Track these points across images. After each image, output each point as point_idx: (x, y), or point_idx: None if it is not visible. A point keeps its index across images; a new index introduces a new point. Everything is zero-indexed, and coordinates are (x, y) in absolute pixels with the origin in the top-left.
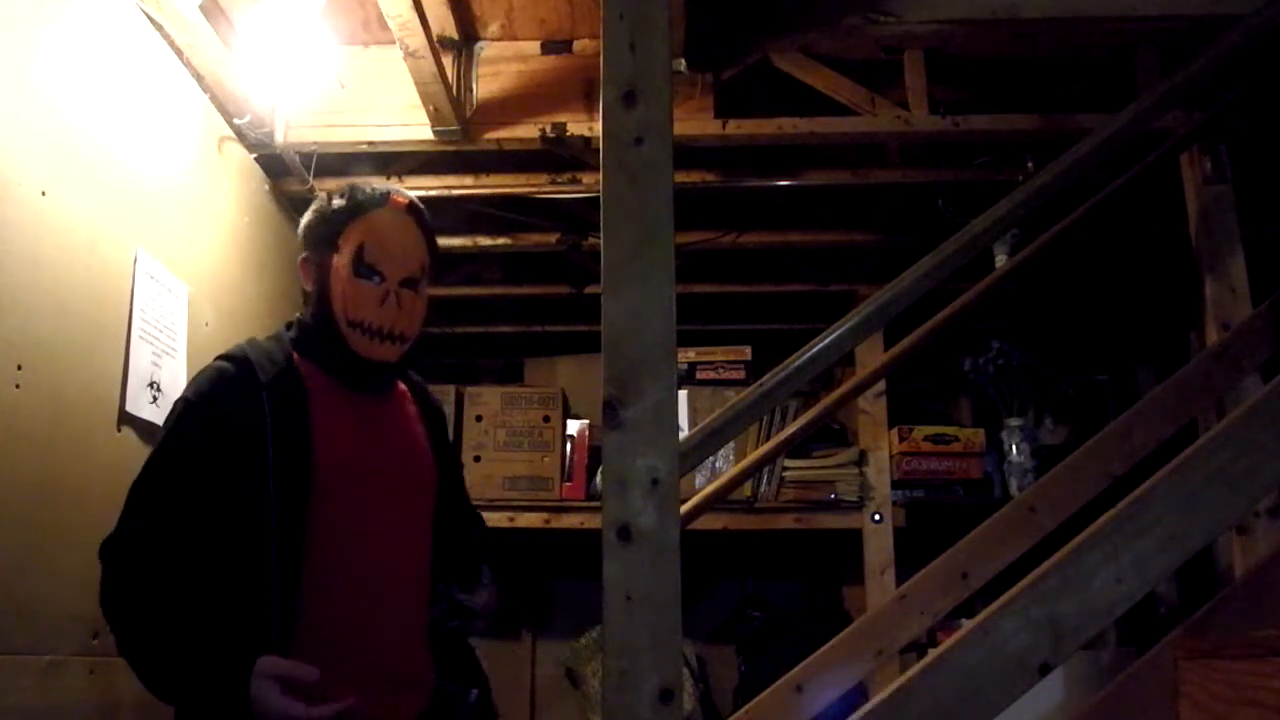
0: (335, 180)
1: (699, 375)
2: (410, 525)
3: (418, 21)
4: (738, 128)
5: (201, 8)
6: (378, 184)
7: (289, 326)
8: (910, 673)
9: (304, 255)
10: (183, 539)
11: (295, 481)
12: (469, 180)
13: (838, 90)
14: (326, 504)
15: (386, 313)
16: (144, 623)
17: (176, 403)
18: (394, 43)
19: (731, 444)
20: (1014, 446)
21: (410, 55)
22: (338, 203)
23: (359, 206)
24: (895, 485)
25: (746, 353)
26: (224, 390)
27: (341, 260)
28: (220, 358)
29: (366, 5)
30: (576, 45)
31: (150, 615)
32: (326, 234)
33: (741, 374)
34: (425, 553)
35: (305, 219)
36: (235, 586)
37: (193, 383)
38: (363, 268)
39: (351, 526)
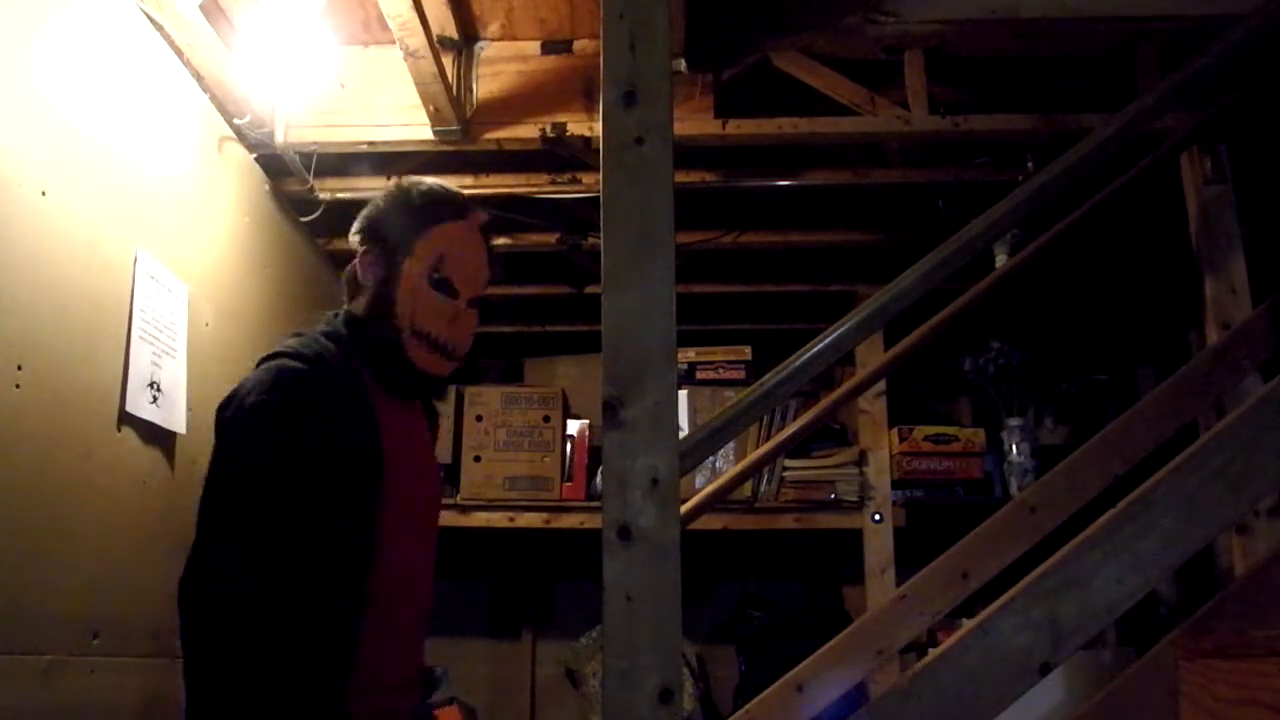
0: (335, 180)
1: (699, 375)
2: (430, 532)
3: (418, 21)
4: (738, 128)
5: (201, 8)
6: (433, 184)
7: (330, 320)
8: (910, 673)
9: (368, 249)
10: (274, 556)
11: (369, 487)
12: (469, 180)
13: (838, 90)
14: (388, 510)
15: (452, 330)
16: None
17: (246, 408)
18: (394, 43)
19: (731, 444)
20: (1014, 446)
21: (410, 55)
22: (417, 200)
23: (441, 212)
24: (895, 485)
25: (746, 353)
26: (298, 392)
27: (417, 268)
28: (285, 356)
29: (366, 5)
30: (576, 45)
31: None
32: (403, 234)
33: (741, 374)
34: (434, 558)
35: (379, 211)
36: (310, 595)
37: (262, 386)
38: (439, 281)
39: (401, 534)
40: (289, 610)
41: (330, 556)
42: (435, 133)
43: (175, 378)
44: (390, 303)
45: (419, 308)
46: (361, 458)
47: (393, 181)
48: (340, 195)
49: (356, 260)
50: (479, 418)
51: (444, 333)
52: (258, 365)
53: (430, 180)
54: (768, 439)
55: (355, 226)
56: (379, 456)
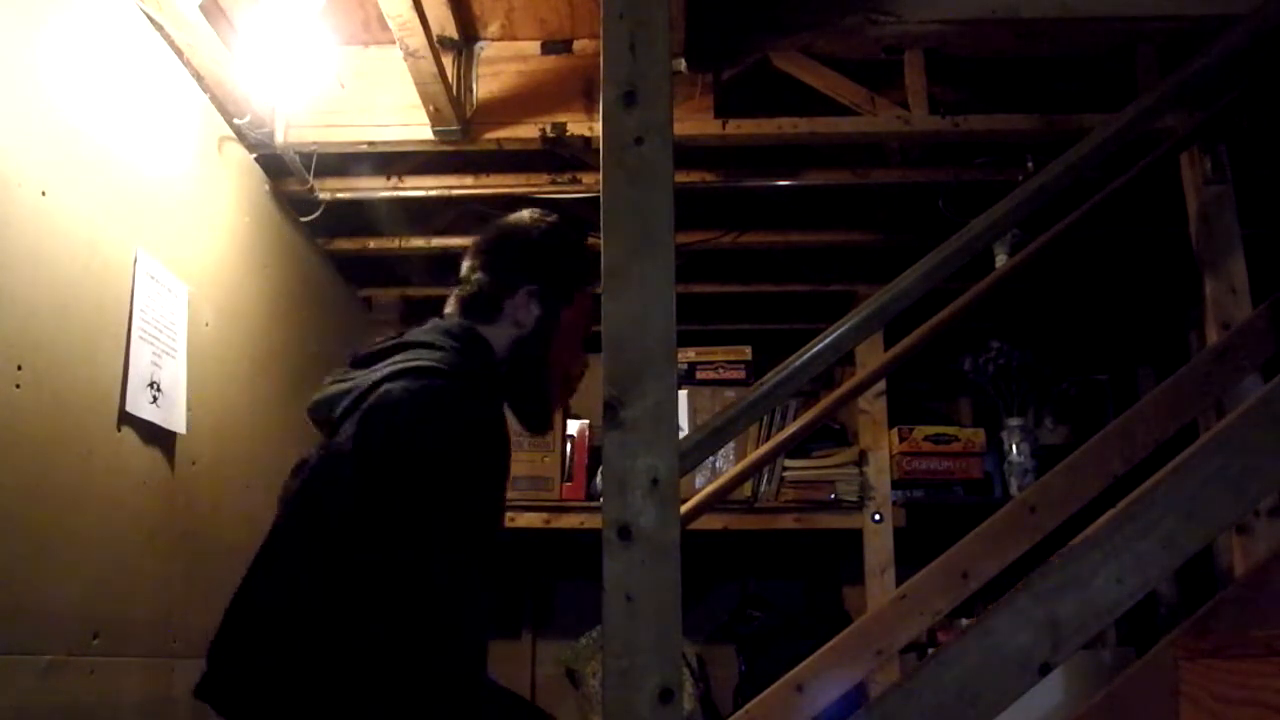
0: (335, 180)
1: (699, 375)
2: None
3: (418, 21)
4: (738, 128)
5: (201, 8)
6: (579, 232)
7: (461, 340)
8: (910, 673)
9: (533, 288)
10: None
11: (503, 499)
12: (469, 180)
13: (838, 90)
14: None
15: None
16: None
17: (413, 426)
18: (394, 43)
19: (731, 444)
20: (1014, 446)
21: (410, 55)
22: (581, 252)
23: (597, 268)
24: (895, 485)
25: (746, 353)
26: (456, 409)
27: (576, 320)
28: (436, 373)
29: (366, 5)
30: (576, 45)
31: None
32: (567, 283)
33: (741, 374)
34: None
35: (542, 250)
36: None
37: (420, 404)
38: (587, 335)
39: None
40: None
41: (484, 564)
42: (435, 133)
43: (175, 378)
44: (546, 346)
45: (574, 359)
46: (501, 475)
47: (529, 213)
48: (340, 195)
49: (507, 292)
50: None
51: (581, 378)
52: (395, 376)
53: (564, 220)
54: (768, 439)
55: (507, 250)
56: (507, 472)
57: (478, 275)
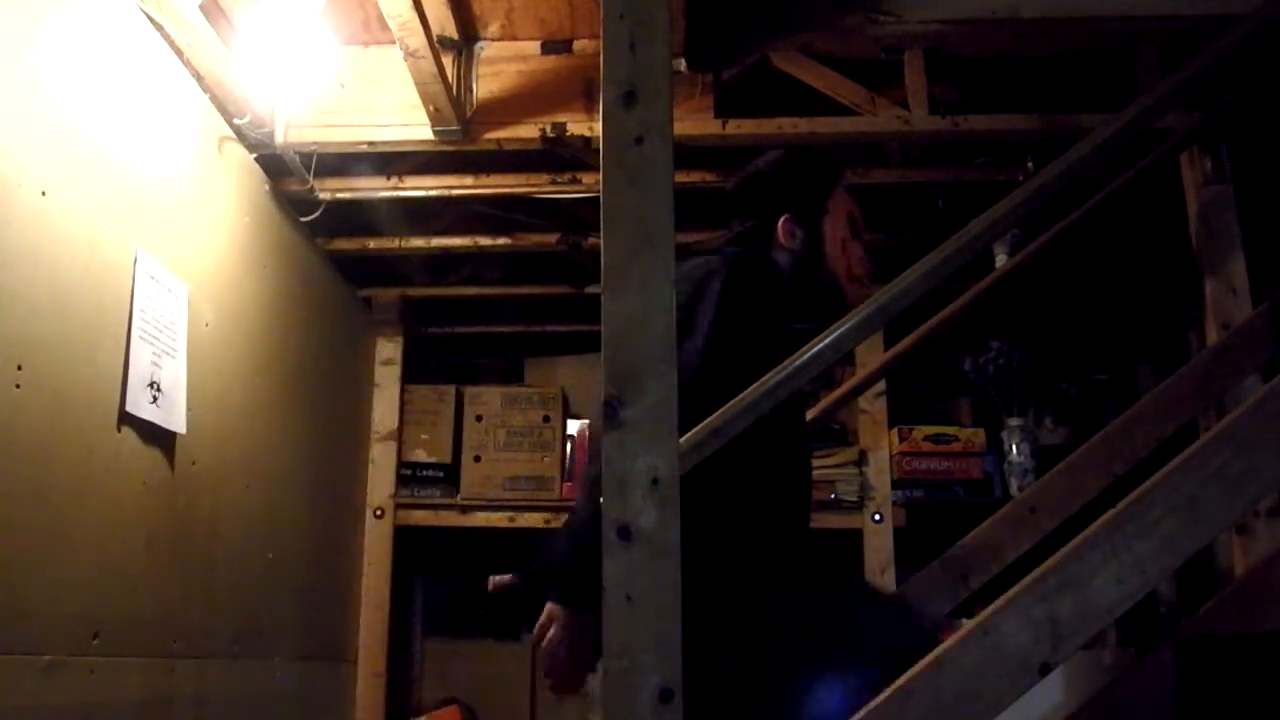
0: (335, 180)
1: None
2: None
3: (418, 21)
4: (738, 128)
5: (201, 8)
6: (810, 149)
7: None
8: (910, 673)
9: (787, 216)
10: None
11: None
12: (469, 180)
13: (838, 90)
14: None
15: (868, 263)
16: None
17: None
18: (394, 43)
19: None
20: (1014, 446)
21: (410, 55)
22: (816, 167)
23: (835, 173)
24: (895, 485)
25: None
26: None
27: (838, 223)
28: (760, 264)
29: (366, 5)
30: (576, 45)
31: None
32: (815, 199)
33: None
34: None
35: (779, 181)
36: None
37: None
38: (858, 231)
39: None
40: None
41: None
42: (435, 133)
43: (175, 378)
44: (820, 257)
45: (852, 258)
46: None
47: (764, 155)
48: (340, 195)
49: (769, 227)
50: (479, 418)
51: (867, 269)
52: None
53: (790, 148)
54: None
55: (752, 194)
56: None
57: (738, 227)
